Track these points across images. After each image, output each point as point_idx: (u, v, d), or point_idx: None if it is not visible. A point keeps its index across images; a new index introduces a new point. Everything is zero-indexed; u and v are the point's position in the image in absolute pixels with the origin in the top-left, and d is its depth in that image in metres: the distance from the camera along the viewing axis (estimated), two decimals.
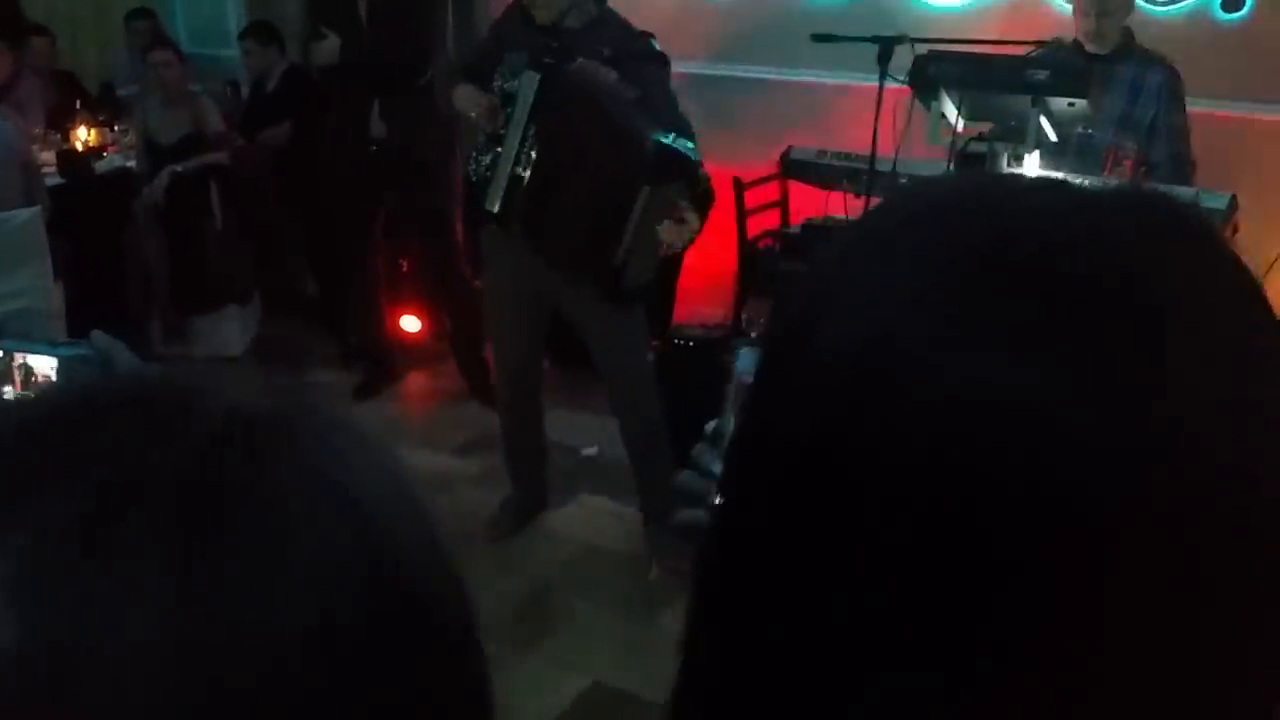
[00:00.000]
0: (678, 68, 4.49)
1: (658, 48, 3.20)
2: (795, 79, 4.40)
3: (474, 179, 3.13)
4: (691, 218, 2.89)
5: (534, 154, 2.95)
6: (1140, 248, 0.41)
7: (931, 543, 0.39)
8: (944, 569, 0.40)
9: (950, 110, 3.22)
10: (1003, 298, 0.40)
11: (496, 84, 3.07)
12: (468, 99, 3.15)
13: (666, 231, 2.89)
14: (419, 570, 0.39)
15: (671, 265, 4.36)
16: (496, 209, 3.05)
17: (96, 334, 0.88)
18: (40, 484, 0.33)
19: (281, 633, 0.33)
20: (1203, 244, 0.43)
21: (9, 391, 0.89)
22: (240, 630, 0.32)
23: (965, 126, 3.25)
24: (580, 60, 2.97)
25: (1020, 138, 3.07)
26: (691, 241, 2.94)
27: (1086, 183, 0.47)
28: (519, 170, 2.98)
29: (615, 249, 2.91)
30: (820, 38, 3.58)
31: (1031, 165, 3.08)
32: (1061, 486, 0.38)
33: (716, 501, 0.52)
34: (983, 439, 0.39)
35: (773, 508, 0.44)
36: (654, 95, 3.04)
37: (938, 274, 0.42)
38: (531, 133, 2.96)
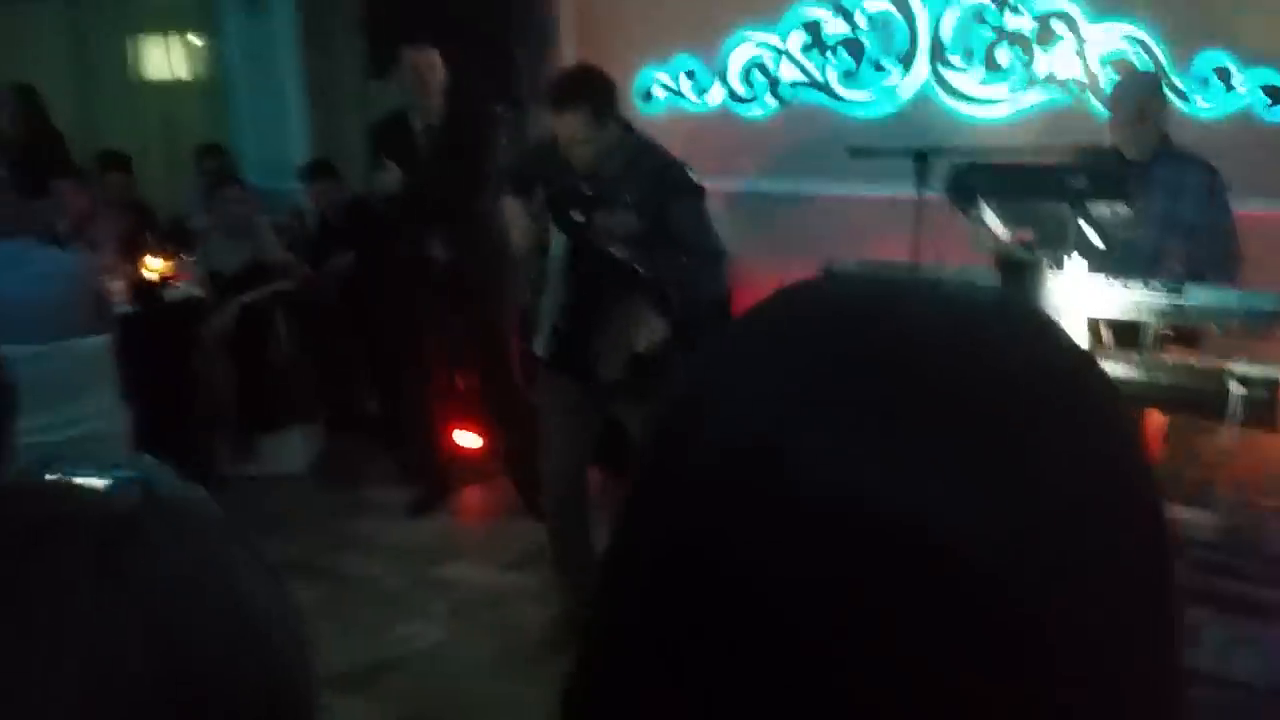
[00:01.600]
0: (718, 185, 4.61)
1: (692, 176, 3.27)
2: (835, 192, 4.48)
3: (527, 313, 3.38)
4: (656, 322, 3.07)
5: (568, 309, 3.19)
6: (1005, 353, 0.43)
7: (797, 659, 0.40)
8: (810, 687, 0.40)
9: (990, 219, 3.26)
10: (874, 401, 0.41)
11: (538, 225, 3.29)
12: (514, 215, 3.39)
13: (633, 333, 3.09)
14: (217, 670, 0.41)
15: None
16: (543, 354, 3.29)
17: (144, 458, 0.93)
18: None
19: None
20: (1060, 350, 0.45)
21: None
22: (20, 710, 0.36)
23: (1007, 234, 3.28)
24: (599, 218, 3.13)
25: (1061, 243, 3.08)
26: (656, 341, 3.08)
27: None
28: (559, 323, 3.21)
29: (588, 344, 3.12)
30: (857, 152, 3.66)
31: (1076, 270, 3.08)
32: (920, 596, 0.39)
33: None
34: (852, 547, 0.39)
35: (638, 623, 0.44)
36: (681, 226, 3.16)
37: (814, 377, 0.42)
38: (566, 290, 3.19)
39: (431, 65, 4.15)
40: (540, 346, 3.28)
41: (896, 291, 0.46)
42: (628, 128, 3.28)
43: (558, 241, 3.18)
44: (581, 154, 3.14)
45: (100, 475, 0.97)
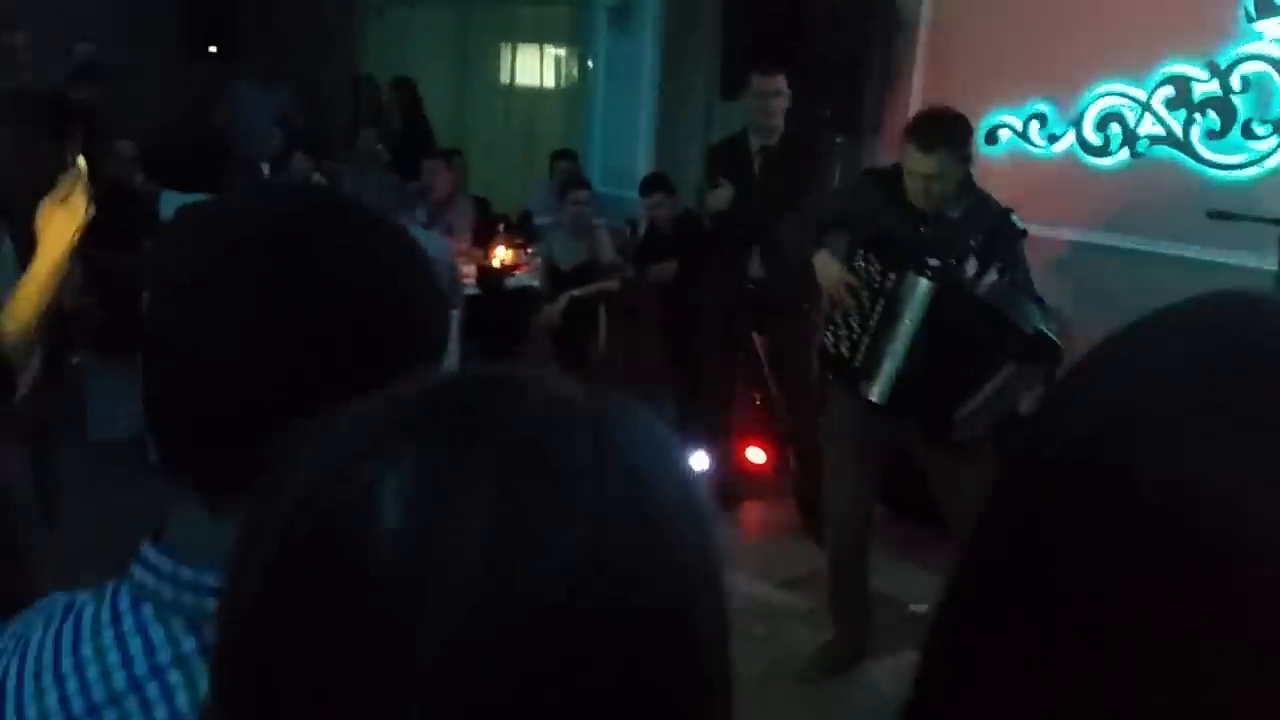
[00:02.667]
0: (1057, 234, 4.46)
1: (1018, 223, 3.22)
2: (1185, 254, 4.21)
3: (843, 354, 3.25)
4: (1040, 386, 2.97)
5: (922, 354, 3.06)
6: None
7: (1147, 622, 0.44)
8: (1162, 651, 0.44)
9: None
10: (1235, 400, 0.44)
11: (860, 265, 3.21)
12: (829, 273, 3.29)
13: (1016, 397, 3.00)
14: (684, 553, 0.48)
15: None
16: (882, 400, 3.15)
17: None
18: (431, 426, 0.48)
19: (563, 560, 0.45)
20: None
21: None
22: (536, 547, 0.45)
23: None
24: (967, 269, 3.06)
25: None
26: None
27: None
28: (904, 367, 3.09)
29: (961, 405, 2.98)
30: (1217, 215, 3.44)
31: None
32: (1249, 572, 0.42)
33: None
34: (1198, 528, 0.43)
35: (1008, 571, 0.50)
36: (1018, 274, 3.14)
37: (1180, 371, 0.46)
38: (922, 337, 3.06)
39: (777, 91, 4.28)
40: (875, 392, 3.15)
41: (1267, 307, 0.49)
42: (968, 175, 3.26)
43: (914, 287, 3.07)
44: (936, 192, 3.12)
45: None
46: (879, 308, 3.15)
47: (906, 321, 3.08)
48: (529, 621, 0.43)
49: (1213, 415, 0.44)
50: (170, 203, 5.09)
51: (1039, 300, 3.16)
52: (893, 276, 3.12)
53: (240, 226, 0.74)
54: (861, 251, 3.23)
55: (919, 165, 3.11)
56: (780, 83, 4.28)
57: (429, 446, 0.47)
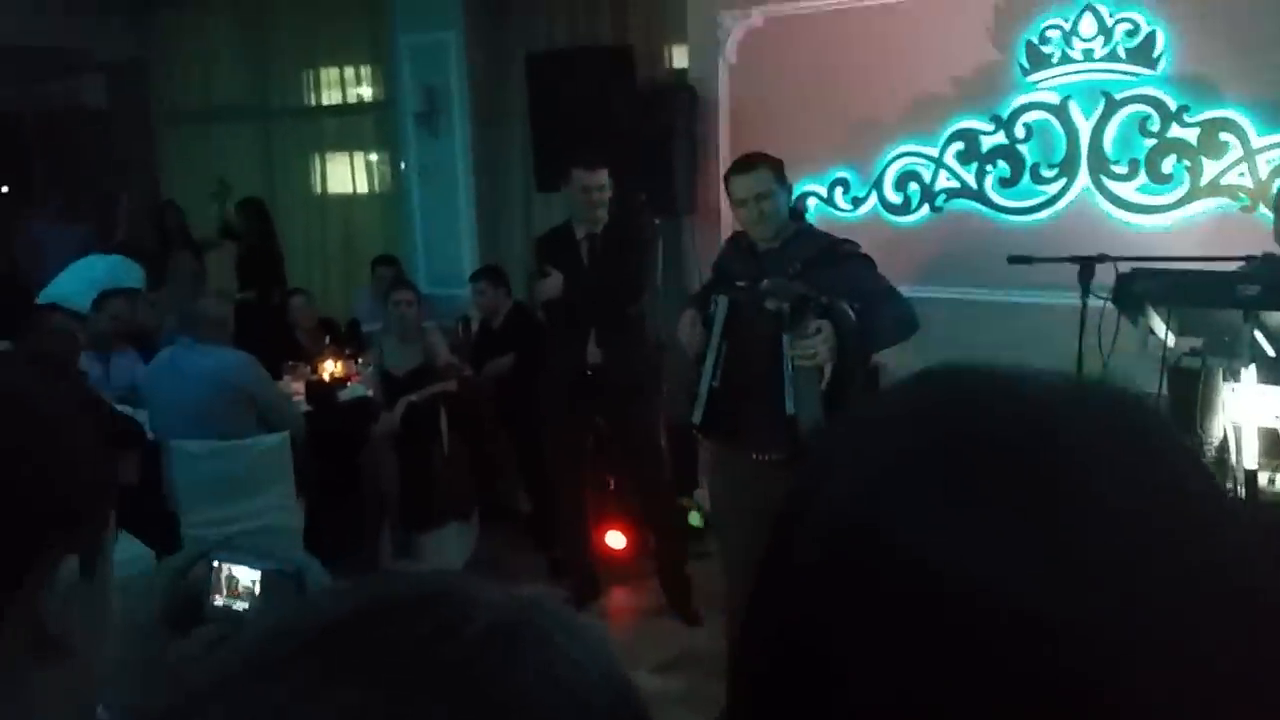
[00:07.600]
0: None
1: (860, 251, 3.42)
2: (994, 299, 4.43)
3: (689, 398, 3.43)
4: (825, 330, 3.06)
5: (723, 366, 3.26)
6: (1087, 441, 0.45)
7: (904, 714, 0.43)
8: None
9: (1158, 326, 3.17)
10: (960, 486, 0.45)
11: (709, 311, 3.39)
12: (683, 324, 3.47)
13: (803, 347, 3.07)
14: None
15: None
16: (699, 420, 3.36)
17: (298, 554, 1.04)
18: (344, 676, 0.41)
19: None
20: (1152, 439, 0.47)
21: (217, 600, 1.03)
22: None
23: (1175, 342, 3.19)
24: (767, 280, 3.23)
25: (1234, 352, 2.98)
26: (831, 349, 3.07)
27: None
28: (714, 383, 3.29)
29: (784, 399, 3.11)
30: (1017, 259, 3.63)
31: (1249, 380, 2.97)
32: (1003, 658, 0.42)
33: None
34: (943, 618, 0.43)
35: (766, 686, 0.49)
36: (853, 278, 3.28)
37: (907, 465, 0.46)
38: (723, 349, 3.27)
39: (601, 185, 4.34)
40: (696, 415, 3.36)
41: (990, 381, 0.50)
42: (795, 215, 3.51)
43: (720, 306, 3.29)
44: (767, 211, 3.33)
45: (257, 565, 1.05)
46: (705, 339, 3.34)
47: (714, 336, 3.30)
48: None
49: (945, 497, 0.44)
50: None
51: (891, 289, 3.37)
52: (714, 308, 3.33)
53: None
54: (712, 298, 3.41)
55: (742, 188, 3.36)
56: (603, 177, 4.35)
57: (350, 703, 0.39)
